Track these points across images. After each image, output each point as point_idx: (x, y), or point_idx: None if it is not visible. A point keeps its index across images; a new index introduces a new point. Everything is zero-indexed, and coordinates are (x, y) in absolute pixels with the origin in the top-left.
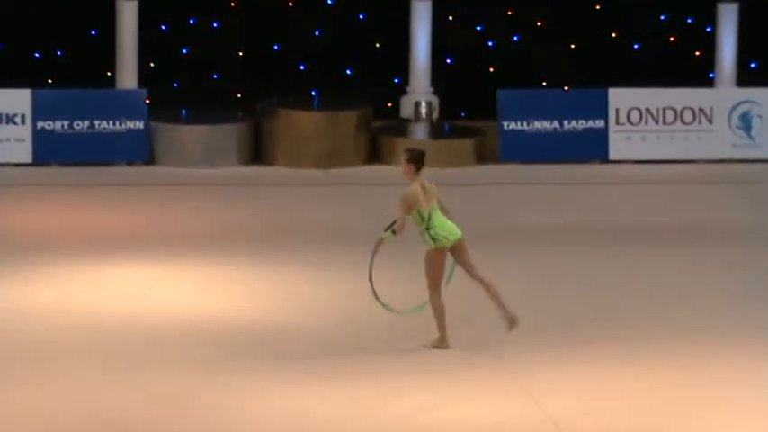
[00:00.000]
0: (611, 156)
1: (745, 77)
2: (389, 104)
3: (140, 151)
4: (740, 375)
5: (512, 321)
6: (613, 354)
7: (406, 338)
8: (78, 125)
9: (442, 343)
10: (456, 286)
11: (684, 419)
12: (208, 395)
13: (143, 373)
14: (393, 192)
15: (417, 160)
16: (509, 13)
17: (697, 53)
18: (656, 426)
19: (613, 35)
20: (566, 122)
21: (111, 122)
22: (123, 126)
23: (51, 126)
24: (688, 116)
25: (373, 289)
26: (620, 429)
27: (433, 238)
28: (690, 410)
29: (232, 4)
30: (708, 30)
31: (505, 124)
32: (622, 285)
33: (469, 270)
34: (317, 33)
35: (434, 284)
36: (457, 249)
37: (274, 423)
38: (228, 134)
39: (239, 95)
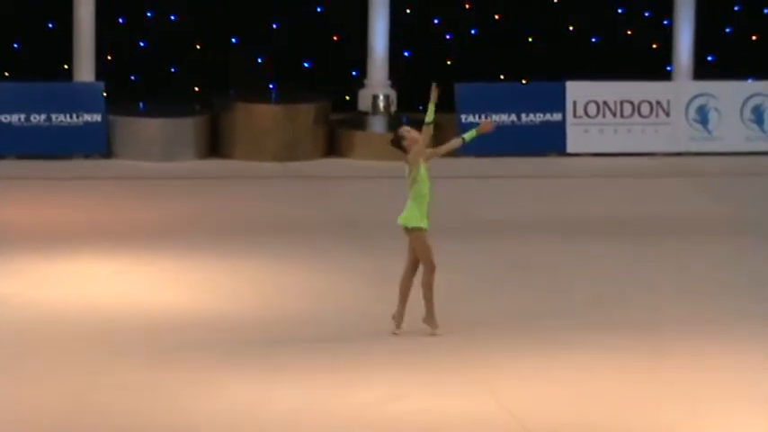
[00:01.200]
0: (569, 148)
1: (702, 70)
2: (347, 97)
3: (98, 144)
4: (702, 370)
5: (398, 325)
6: (572, 346)
7: (365, 330)
8: (35, 118)
9: (432, 322)
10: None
11: (643, 416)
12: (166, 386)
13: (100, 364)
14: (351, 184)
15: (392, 146)
16: (467, 6)
17: (654, 46)
18: (613, 419)
19: (570, 28)
20: (523, 115)
21: (68, 115)
22: (81, 119)
23: (8, 119)
24: (645, 109)
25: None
26: (578, 423)
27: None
28: (649, 408)
29: None
30: (665, 23)
31: (463, 117)
32: (579, 277)
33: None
34: (274, 26)
35: (433, 265)
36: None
37: (231, 414)
38: (186, 127)
39: (197, 89)
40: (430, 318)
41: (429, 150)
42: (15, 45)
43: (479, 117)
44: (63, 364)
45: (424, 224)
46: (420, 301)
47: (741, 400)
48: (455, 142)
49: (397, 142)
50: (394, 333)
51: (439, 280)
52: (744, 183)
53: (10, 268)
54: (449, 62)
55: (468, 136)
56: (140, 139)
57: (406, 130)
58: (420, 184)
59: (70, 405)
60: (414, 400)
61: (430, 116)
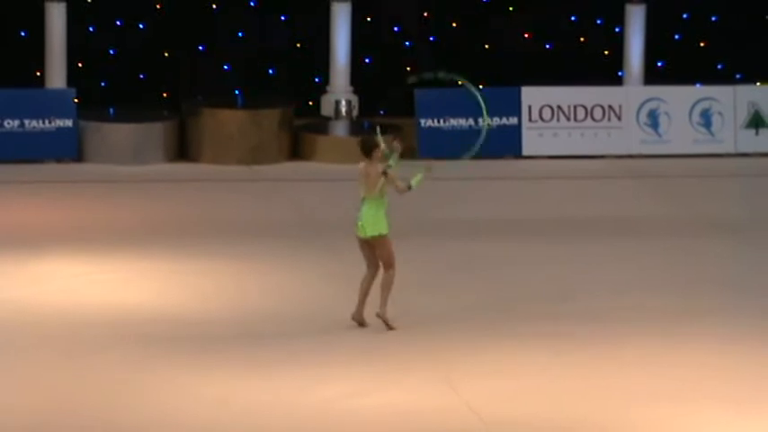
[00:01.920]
0: (524, 151)
1: (653, 76)
2: (310, 103)
3: (69, 149)
4: (655, 365)
5: (360, 322)
6: (531, 342)
7: (327, 328)
8: (8, 123)
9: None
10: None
11: (601, 409)
12: (132, 384)
13: (68, 364)
14: (314, 187)
15: (360, 148)
16: (425, 14)
17: (606, 52)
18: (573, 412)
19: (526, 35)
20: (480, 120)
21: (40, 121)
22: (52, 124)
23: None
24: (598, 113)
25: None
26: (538, 416)
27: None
28: (606, 400)
29: (158, 6)
30: (617, 30)
31: (423, 122)
32: (536, 276)
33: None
34: (240, 34)
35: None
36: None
37: (196, 410)
38: (155, 132)
39: (165, 95)
40: (383, 311)
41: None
42: None
43: (438, 122)
44: (32, 364)
45: (386, 230)
46: (376, 300)
47: (693, 394)
48: (403, 186)
49: (369, 149)
50: (360, 325)
51: (398, 279)
52: (692, 184)
53: None
54: (408, 68)
55: (414, 183)
56: (110, 143)
57: (380, 145)
58: (384, 197)
59: (43, 404)
60: (376, 396)
61: (393, 162)
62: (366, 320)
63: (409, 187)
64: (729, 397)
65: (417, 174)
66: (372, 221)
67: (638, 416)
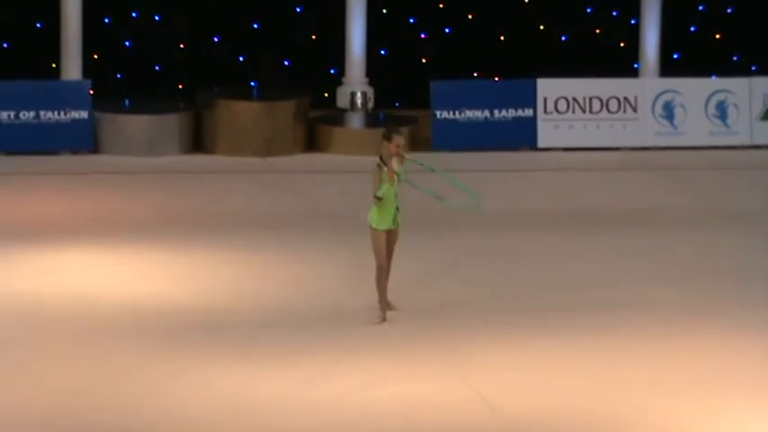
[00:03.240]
0: (540, 143)
1: (668, 68)
2: (326, 94)
3: (84, 140)
4: (669, 357)
5: (382, 318)
6: (544, 334)
7: (340, 320)
8: (24, 115)
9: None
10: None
11: (613, 400)
12: (147, 375)
13: (86, 355)
14: (330, 179)
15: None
16: (441, 6)
17: (622, 44)
18: (585, 405)
19: (541, 27)
20: (496, 111)
21: (56, 112)
22: (68, 116)
23: None
24: (613, 105)
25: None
26: (550, 408)
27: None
28: (619, 392)
29: None
30: (632, 22)
31: (438, 113)
32: (551, 268)
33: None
34: (255, 26)
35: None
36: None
37: (206, 403)
38: (170, 124)
39: (180, 86)
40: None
41: (372, 178)
42: (4, 45)
43: (453, 113)
44: (47, 355)
45: (374, 224)
46: (396, 293)
47: (706, 385)
48: (376, 192)
49: (388, 134)
50: (374, 322)
51: (409, 271)
52: (708, 176)
53: None
54: (424, 60)
55: (380, 194)
56: (126, 135)
57: (401, 137)
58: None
59: (58, 395)
60: (389, 388)
61: (381, 192)
62: (393, 304)
63: (377, 198)
64: (747, 387)
65: (383, 184)
66: (370, 211)
67: (653, 407)
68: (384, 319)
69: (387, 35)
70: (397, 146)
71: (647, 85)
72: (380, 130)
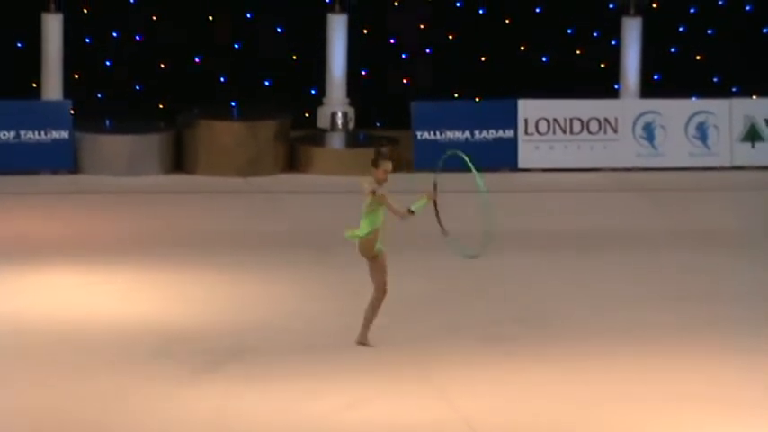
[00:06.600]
0: (520, 164)
1: (649, 89)
2: (307, 115)
3: (65, 160)
4: (648, 374)
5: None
6: (526, 354)
7: (324, 340)
8: (5, 135)
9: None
10: (369, 290)
11: (594, 419)
12: (131, 396)
13: (70, 375)
14: (310, 199)
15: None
16: (421, 26)
17: (602, 66)
18: (567, 425)
19: (522, 48)
20: (477, 132)
21: (36, 132)
22: (48, 136)
23: None
24: (594, 126)
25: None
26: (531, 428)
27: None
28: (600, 409)
29: (154, 18)
30: (613, 43)
31: (419, 134)
32: (532, 288)
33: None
34: (236, 46)
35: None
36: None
37: (189, 424)
38: (151, 144)
39: (161, 106)
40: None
41: (388, 202)
42: None
43: (434, 134)
44: (31, 376)
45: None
46: (379, 314)
47: (685, 400)
48: (403, 212)
49: (376, 161)
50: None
51: (391, 293)
52: (688, 197)
53: None
54: (405, 81)
55: (415, 208)
56: (106, 155)
57: (389, 162)
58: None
59: (42, 415)
60: (371, 408)
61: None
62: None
63: (411, 212)
64: (733, 401)
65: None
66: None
67: (637, 424)
68: (366, 341)
69: (367, 56)
70: (385, 171)
71: (628, 106)
72: (361, 151)
